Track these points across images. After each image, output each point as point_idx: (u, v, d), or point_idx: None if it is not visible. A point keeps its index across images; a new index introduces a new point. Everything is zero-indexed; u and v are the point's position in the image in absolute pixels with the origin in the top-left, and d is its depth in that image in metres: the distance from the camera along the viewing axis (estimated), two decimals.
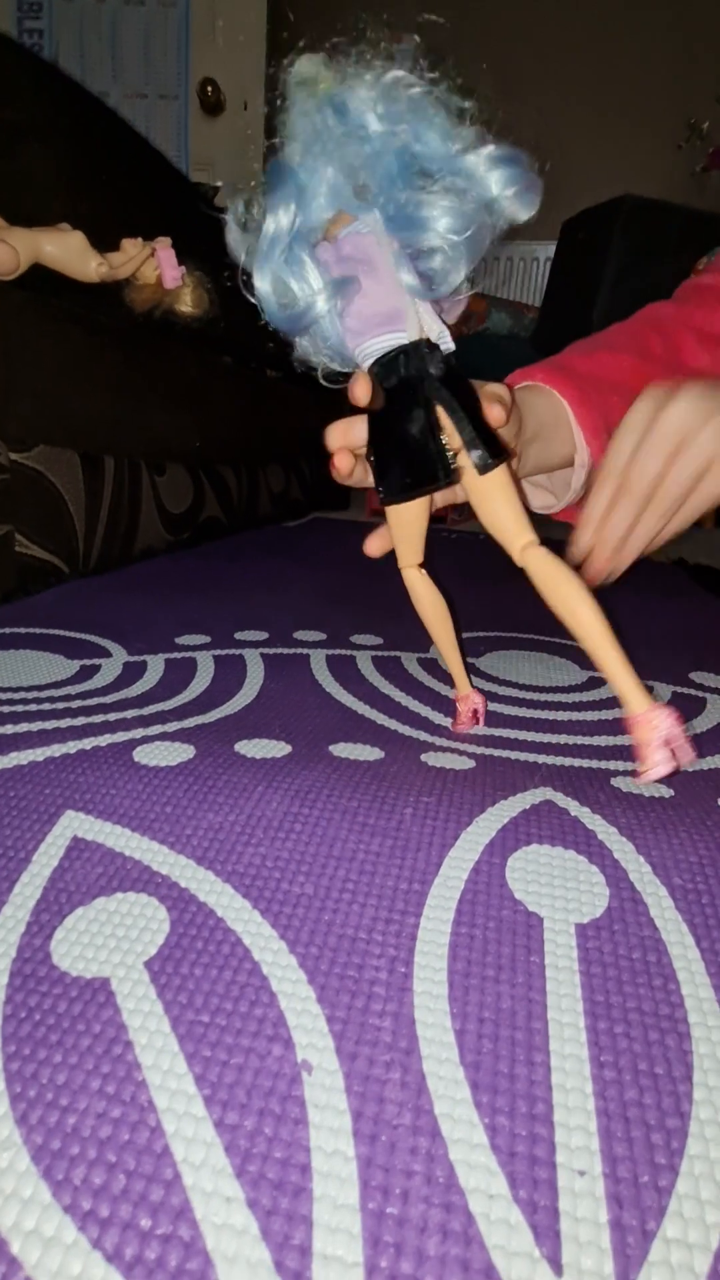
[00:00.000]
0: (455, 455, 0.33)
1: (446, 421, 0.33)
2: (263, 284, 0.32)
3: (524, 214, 0.32)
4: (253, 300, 0.33)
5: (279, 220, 0.31)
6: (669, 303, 0.52)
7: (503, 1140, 0.19)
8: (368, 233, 0.32)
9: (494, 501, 0.34)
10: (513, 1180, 0.18)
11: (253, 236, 0.32)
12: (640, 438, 0.37)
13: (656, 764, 0.30)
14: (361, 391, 0.34)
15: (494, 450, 0.33)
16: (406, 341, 0.33)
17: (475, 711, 0.43)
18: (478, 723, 0.43)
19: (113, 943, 0.24)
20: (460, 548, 1.14)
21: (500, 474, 0.33)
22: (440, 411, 0.33)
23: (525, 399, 0.42)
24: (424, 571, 0.39)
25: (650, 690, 0.30)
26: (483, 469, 0.33)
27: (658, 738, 0.30)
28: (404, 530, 0.37)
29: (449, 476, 0.33)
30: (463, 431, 0.33)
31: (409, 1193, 0.17)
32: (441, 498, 0.38)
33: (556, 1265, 0.16)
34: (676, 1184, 0.18)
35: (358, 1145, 0.18)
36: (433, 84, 0.30)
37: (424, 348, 0.33)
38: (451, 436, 0.33)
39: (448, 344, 0.34)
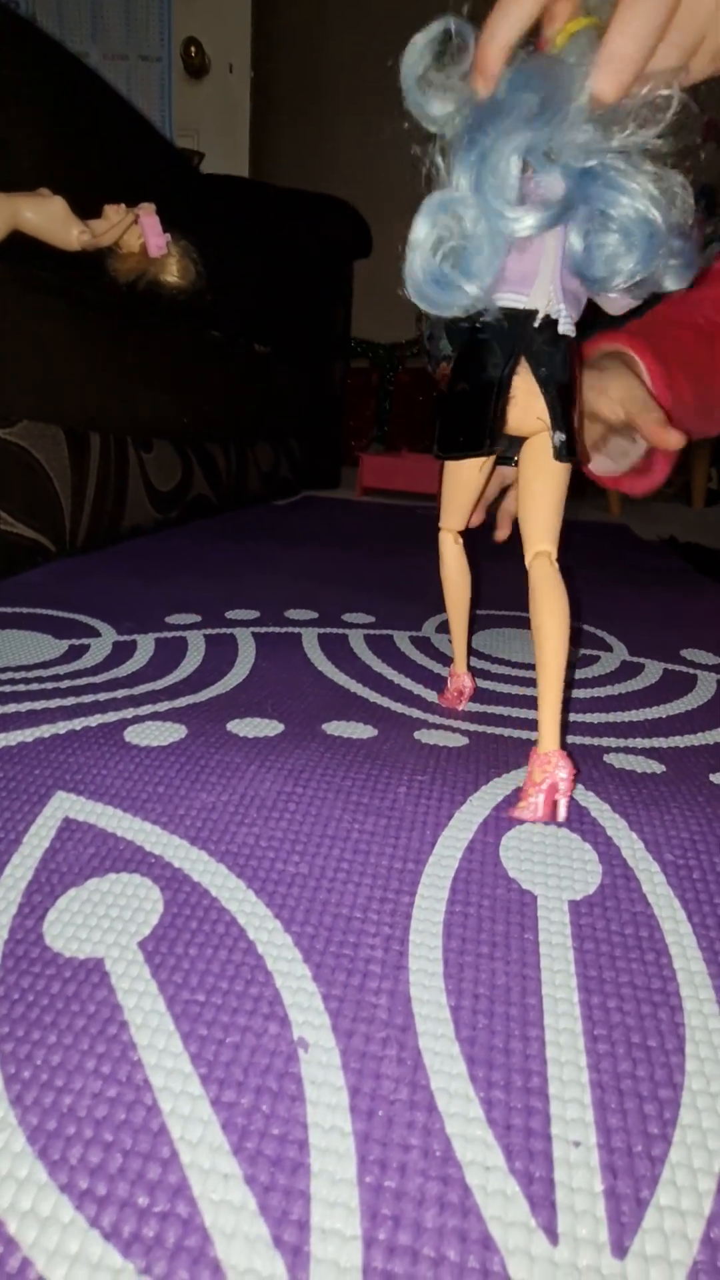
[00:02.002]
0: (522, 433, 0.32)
1: (532, 396, 0.31)
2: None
3: (675, 287, 0.30)
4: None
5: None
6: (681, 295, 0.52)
7: (498, 1114, 0.19)
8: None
9: (546, 493, 0.32)
10: (509, 1152, 0.18)
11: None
12: None
13: (530, 808, 0.31)
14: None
15: (573, 445, 0.32)
16: (521, 308, 0.31)
17: (460, 692, 0.43)
18: (460, 705, 0.43)
19: (106, 923, 0.24)
20: None
21: (565, 470, 0.32)
22: (521, 385, 0.31)
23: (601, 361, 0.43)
24: (459, 540, 0.39)
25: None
26: (558, 454, 0.31)
27: (546, 781, 0.31)
28: (453, 491, 0.37)
29: (493, 447, 0.32)
30: (551, 409, 0.31)
31: (406, 1166, 0.17)
32: (496, 480, 0.39)
33: (552, 1234, 0.16)
34: (669, 1153, 0.18)
35: (355, 1121, 0.18)
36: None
37: (532, 320, 0.31)
38: (525, 412, 0.31)
39: (566, 326, 0.31)
